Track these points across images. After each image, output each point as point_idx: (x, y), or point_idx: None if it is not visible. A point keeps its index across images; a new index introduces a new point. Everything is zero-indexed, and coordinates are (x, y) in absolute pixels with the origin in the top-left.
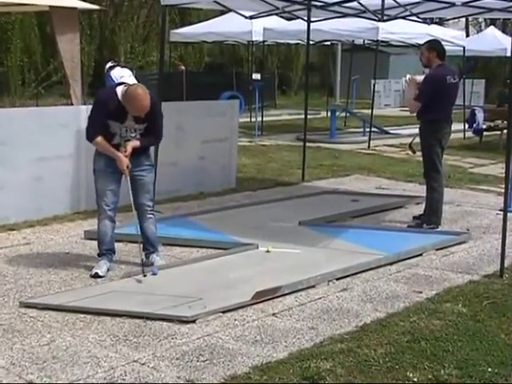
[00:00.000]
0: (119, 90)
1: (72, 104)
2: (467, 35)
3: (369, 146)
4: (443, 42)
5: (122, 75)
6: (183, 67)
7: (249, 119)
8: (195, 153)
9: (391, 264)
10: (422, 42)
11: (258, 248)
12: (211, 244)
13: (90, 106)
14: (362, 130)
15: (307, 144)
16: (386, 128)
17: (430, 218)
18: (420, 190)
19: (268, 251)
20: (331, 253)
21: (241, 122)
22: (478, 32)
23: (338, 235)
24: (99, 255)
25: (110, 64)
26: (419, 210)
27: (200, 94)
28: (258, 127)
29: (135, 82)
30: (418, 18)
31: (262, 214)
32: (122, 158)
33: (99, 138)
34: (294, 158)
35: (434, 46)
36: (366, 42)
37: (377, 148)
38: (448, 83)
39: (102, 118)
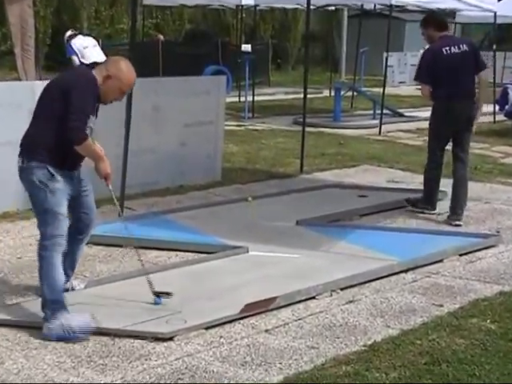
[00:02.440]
0: (97, 71)
1: (20, 79)
2: None
3: (380, 132)
4: (470, 8)
5: (84, 45)
6: (162, 37)
7: (237, 99)
8: (174, 138)
9: (406, 271)
10: (443, 6)
11: (248, 252)
12: (193, 247)
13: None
14: (371, 112)
15: (307, 129)
16: (400, 110)
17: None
18: (443, 184)
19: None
20: (335, 258)
21: (228, 103)
22: None
23: (343, 237)
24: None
25: (69, 32)
26: (439, 207)
27: (180, 69)
28: (248, 108)
29: (101, 53)
30: None
31: (250, 210)
32: (107, 163)
33: (89, 139)
34: (290, 146)
35: (428, 20)
36: (377, 6)
37: (389, 134)
38: (446, 54)
39: (91, 109)
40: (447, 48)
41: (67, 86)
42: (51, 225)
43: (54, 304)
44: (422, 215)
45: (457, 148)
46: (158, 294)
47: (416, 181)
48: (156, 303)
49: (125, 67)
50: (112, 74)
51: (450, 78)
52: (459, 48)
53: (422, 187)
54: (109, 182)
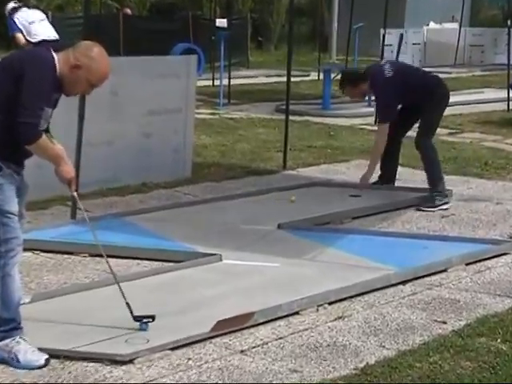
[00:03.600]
0: (63, 57)
1: None
2: None
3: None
4: None
5: (31, 20)
6: (129, 11)
7: (211, 82)
8: (137, 128)
9: (404, 283)
10: None
11: (221, 260)
12: (157, 255)
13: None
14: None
15: (291, 117)
16: None
17: (431, 180)
18: (446, 181)
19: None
20: (322, 267)
21: (200, 87)
22: None
23: (332, 243)
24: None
25: (12, 4)
26: (443, 209)
27: (143, 47)
28: (223, 94)
29: (50, 29)
30: None
31: (228, 213)
32: (70, 165)
33: (44, 137)
34: (272, 137)
35: (349, 80)
36: None
37: None
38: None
39: (48, 100)
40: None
41: (19, 71)
42: (1, 227)
43: (7, 324)
44: (424, 220)
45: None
46: (139, 319)
47: (417, 178)
48: (142, 329)
49: (98, 56)
50: (82, 64)
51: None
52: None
53: (424, 185)
54: (73, 187)
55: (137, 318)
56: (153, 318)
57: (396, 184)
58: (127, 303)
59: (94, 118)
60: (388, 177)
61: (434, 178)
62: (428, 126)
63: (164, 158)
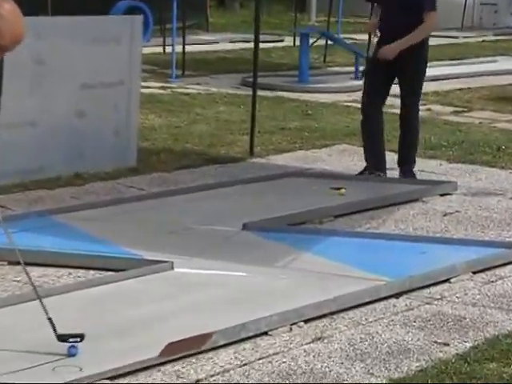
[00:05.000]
0: None
1: None
2: None
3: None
4: None
5: None
6: None
7: (161, 49)
8: (67, 105)
9: (397, 296)
10: None
11: (173, 269)
12: (94, 262)
13: None
14: (353, 69)
15: (260, 93)
16: None
17: (412, 154)
18: (449, 170)
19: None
20: (296, 277)
21: (147, 54)
22: None
23: (309, 247)
24: None
25: None
26: (445, 205)
27: (76, 4)
28: (176, 63)
29: None
30: None
31: (181, 211)
32: None
33: None
34: (237, 117)
35: None
36: None
37: None
38: None
39: None
40: None
41: None
42: None
43: None
44: (422, 219)
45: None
46: (64, 338)
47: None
48: (70, 355)
49: (9, 14)
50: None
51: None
52: None
53: (422, 176)
54: None
55: (61, 337)
56: (81, 337)
57: (389, 176)
58: (49, 318)
59: (14, 93)
60: (375, 164)
61: (415, 155)
62: (420, 86)
63: (102, 142)
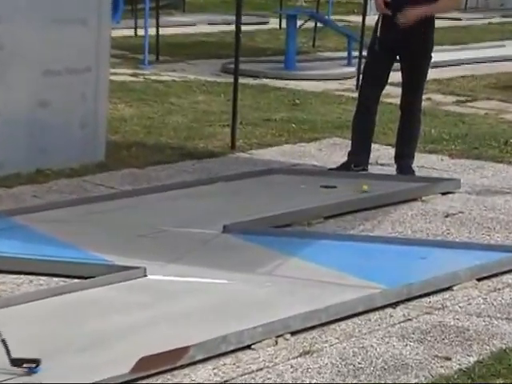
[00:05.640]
0: None
1: None
2: None
3: (358, 86)
4: None
5: None
6: None
7: (133, 32)
8: (28, 94)
9: (394, 305)
10: None
11: (145, 275)
12: (58, 268)
13: None
14: (345, 54)
15: (242, 80)
16: None
17: (412, 149)
18: (452, 166)
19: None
20: (282, 284)
21: (118, 38)
22: None
23: (296, 251)
24: None
25: None
26: (447, 205)
27: None
28: (149, 48)
29: None
30: None
31: (155, 211)
32: None
33: None
34: (216, 107)
35: None
36: None
37: None
38: None
39: None
40: None
41: None
42: None
43: None
44: (421, 220)
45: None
46: (18, 363)
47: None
48: (30, 372)
49: None
50: None
51: None
52: None
53: (421, 173)
54: None
55: (15, 362)
56: (37, 362)
57: (385, 173)
58: (3, 340)
59: None
60: (361, 159)
61: (414, 149)
62: (425, 73)
63: (67, 135)
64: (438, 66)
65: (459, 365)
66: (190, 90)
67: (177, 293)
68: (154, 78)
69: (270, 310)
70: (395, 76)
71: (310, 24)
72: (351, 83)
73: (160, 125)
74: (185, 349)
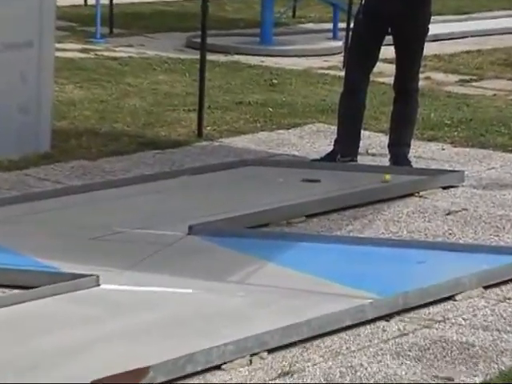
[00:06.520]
0: None
1: None
2: None
3: (345, 62)
4: None
5: None
6: None
7: (82, 0)
8: None
9: (388, 318)
10: None
11: (98, 284)
12: None
13: None
14: (331, 26)
15: (210, 57)
16: None
17: (408, 136)
18: (454, 156)
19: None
20: (258, 294)
21: (64, 7)
22: None
23: (274, 256)
24: None
25: None
26: (448, 201)
27: None
28: (101, 19)
29: None
30: None
31: (109, 210)
32: None
33: None
34: (180, 89)
35: None
36: None
37: None
38: None
39: None
40: None
41: None
42: None
43: None
44: (419, 219)
45: None
46: None
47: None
48: None
49: None
50: None
51: None
52: None
53: (419, 164)
54: None
55: None
56: None
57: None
58: None
59: None
60: (348, 148)
61: (411, 136)
62: (421, 48)
63: (5, 121)
64: (438, 39)
65: None
66: (149, 69)
67: (135, 305)
68: (107, 54)
69: (243, 324)
70: (388, 51)
71: None
72: (337, 60)
73: (115, 109)
74: (144, 370)
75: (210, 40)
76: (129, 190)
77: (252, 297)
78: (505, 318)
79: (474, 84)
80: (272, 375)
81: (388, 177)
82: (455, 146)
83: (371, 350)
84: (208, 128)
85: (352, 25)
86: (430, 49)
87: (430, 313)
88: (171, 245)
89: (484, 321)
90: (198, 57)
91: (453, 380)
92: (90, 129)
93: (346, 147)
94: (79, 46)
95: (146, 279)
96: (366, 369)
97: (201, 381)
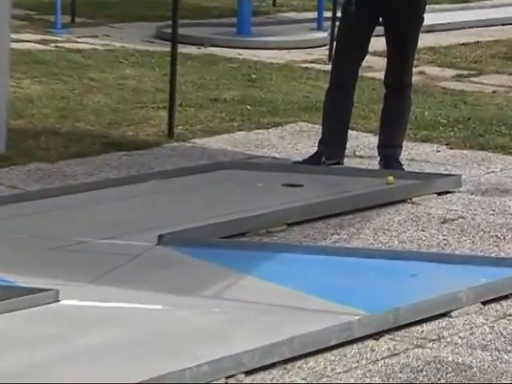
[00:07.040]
0: None
1: None
2: None
3: (330, 56)
4: None
5: None
6: None
7: None
8: None
9: (377, 336)
10: None
11: (57, 300)
12: None
13: None
14: (315, 15)
15: (183, 49)
16: None
17: (399, 136)
18: (450, 159)
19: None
20: (234, 309)
21: None
22: None
23: (251, 268)
24: None
25: None
26: (444, 208)
27: None
28: (62, 7)
29: None
30: None
31: (71, 218)
32: None
33: None
34: (150, 84)
35: None
36: None
37: None
38: None
39: None
40: None
41: None
42: None
43: None
44: (412, 227)
45: None
46: None
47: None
48: None
49: None
50: None
51: None
52: None
53: (411, 168)
54: None
55: None
56: None
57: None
58: None
59: None
60: (335, 149)
61: (403, 137)
62: (415, 41)
63: None
64: (433, 30)
65: None
66: (115, 62)
67: (98, 322)
68: (68, 45)
69: (218, 343)
70: (378, 43)
71: None
72: (322, 53)
73: (77, 107)
74: None
75: (181, 30)
76: (92, 195)
77: (228, 313)
78: (505, 337)
79: (472, 79)
80: None
81: (391, 179)
82: (451, 148)
83: (359, 371)
84: (180, 127)
85: (339, 14)
86: (424, 40)
87: (423, 331)
88: (138, 256)
89: (482, 340)
90: (169, 49)
91: None
92: (49, 128)
93: (332, 149)
94: (38, 37)
95: (111, 294)
96: None
97: None
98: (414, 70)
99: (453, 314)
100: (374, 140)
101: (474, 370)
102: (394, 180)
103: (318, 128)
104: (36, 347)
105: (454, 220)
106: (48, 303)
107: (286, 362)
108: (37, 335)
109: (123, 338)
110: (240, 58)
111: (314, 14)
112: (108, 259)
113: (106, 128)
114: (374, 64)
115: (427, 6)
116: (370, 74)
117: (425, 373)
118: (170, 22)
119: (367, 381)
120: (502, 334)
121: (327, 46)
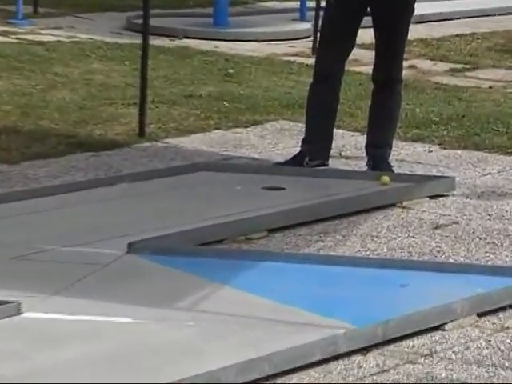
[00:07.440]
0: None
1: None
2: None
3: (314, 48)
4: None
5: None
6: None
7: None
8: None
9: (365, 351)
10: None
11: (20, 312)
12: None
13: None
14: (297, 4)
15: (155, 41)
16: None
17: (388, 135)
18: (444, 160)
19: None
20: (210, 323)
21: None
22: None
23: (229, 278)
24: None
25: None
26: (437, 212)
27: None
28: None
29: None
30: None
31: (33, 224)
32: None
33: None
34: (119, 79)
35: None
36: None
37: None
38: None
39: None
40: None
41: None
42: None
43: None
44: (402, 233)
45: None
46: None
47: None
48: None
49: None
50: None
51: None
52: None
53: (402, 169)
54: None
55: None
56: None
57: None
58: None
59: None
60: (319, 149)
61: (392, 136)
62: (406, 32)
63: None
64: (424, 20)
65: None
66: (81, 56)
67: (63, 337)
68: (30, 38)
69: (192, 358)
70: (366, 34)
71: None
72: (305, 45)
73: (40, 104)
74: None
75: (153, 21)
76: (56, 200)
77: (204, 327)
78: (502, 352)
79: (467, 74)
80: None
81: (386, 178)
82: (444, 148)
83: None
84: (151, 126)
85: (323, 3)
86: (415, 32)
87: (414, 345)
88: (107, 265)
89: (478, 355)
90: (140, 41)
91: None
92: (10, 127)
93: (316, 149)
94: None
95: (77, 306)
96: None
97: None
98: (405, 63)
99: (446, 326)
100: (361, 139)
101: None
102: (389, 180)
103: (301, 126)
104: None
105: (447, 225)
106: (9, 316)
107: (266, 379)
108: None
109: (91, 354)
110: (217, 50)
111: (296, 4)
112: (74, 268)
113: (72, 126)
114: (361, 57)
115: None
116: (357, 68)
117: None
118: (140, 12)
119: None
120: (499, 348)
121: (311, 38)
